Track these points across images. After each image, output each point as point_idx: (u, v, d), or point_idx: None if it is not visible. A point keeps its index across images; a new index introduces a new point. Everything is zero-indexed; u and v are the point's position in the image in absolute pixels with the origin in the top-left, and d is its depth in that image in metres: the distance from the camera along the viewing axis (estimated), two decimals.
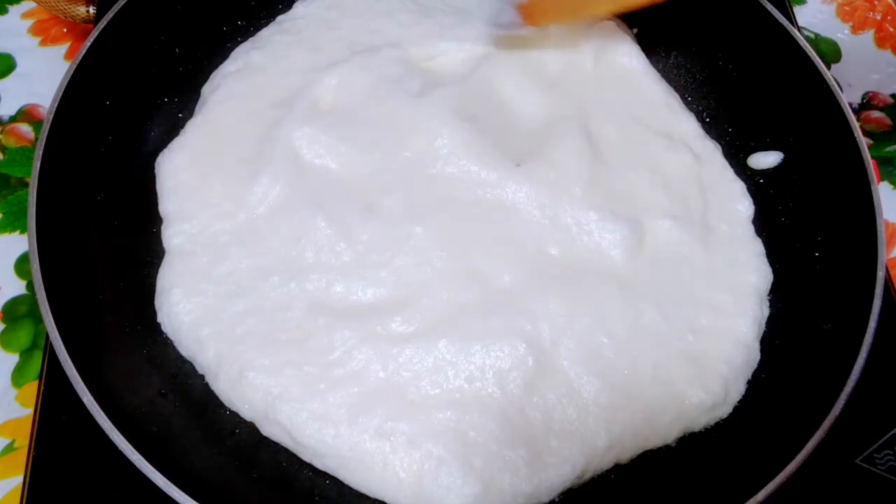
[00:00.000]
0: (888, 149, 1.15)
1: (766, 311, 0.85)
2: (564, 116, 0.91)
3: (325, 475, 0.75)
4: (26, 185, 1.04)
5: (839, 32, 1.25)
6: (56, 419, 0.80)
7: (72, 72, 0.83)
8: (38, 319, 0.93)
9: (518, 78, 0.93)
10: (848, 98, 0.83)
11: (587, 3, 0.91)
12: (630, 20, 1.04)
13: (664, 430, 0.77)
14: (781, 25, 0.92)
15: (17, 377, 0.92)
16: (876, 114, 1.18)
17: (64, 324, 0.71)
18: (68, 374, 0.69)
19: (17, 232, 1.01)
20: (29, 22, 1.19)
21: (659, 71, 1.00)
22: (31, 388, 0.90)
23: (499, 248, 0.82)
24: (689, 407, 0.78)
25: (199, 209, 0.85)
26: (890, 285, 0.91)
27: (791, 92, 0.92)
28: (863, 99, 1.20)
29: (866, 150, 0.83)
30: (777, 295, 0.86)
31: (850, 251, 0.81)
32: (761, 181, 0.93)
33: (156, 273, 0.82)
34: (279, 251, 0.82)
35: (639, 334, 0.79)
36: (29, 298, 0.97)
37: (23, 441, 0.87)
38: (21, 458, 0.82)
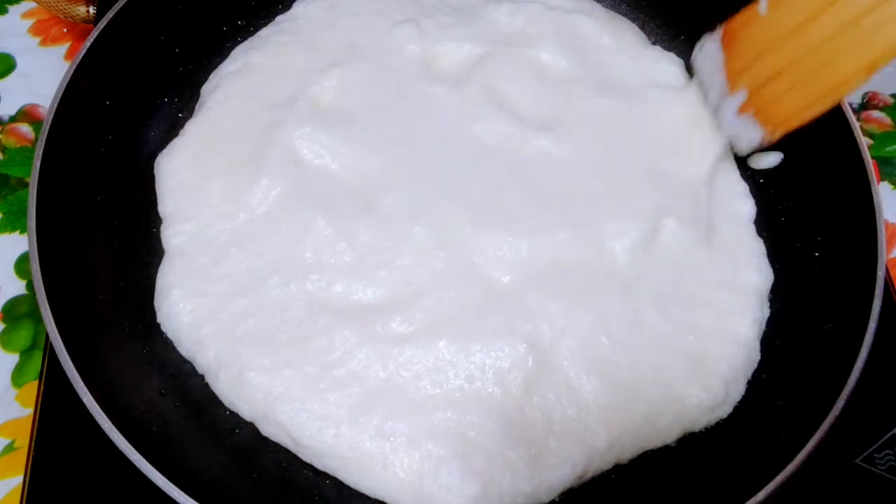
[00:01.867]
0: (888, 149, 1.15)
1: (767, 312, 0.85)
2: (564, 116, 0.91)
3: (325, 475, 0.75)
4: (26, 185, 1.04)
5: None
6: (56, 419, 0.80)
7: (72, 72, 0.83)
8: (38, 319, 0.93)
9: (519, 78, 0.93)
10: (848, 98, 0.83)
11: (838, 81, 0.75)
12: (630, 19, 1.04)
13: (664, 431, 0.77)
14: None
15: (17, 377, 0.92)
16: (876, 114, 1.18)
17: (64, 324, 0.71)
18: (68, 374, 0.69)
19: (17, 232, 1.02)
20: (29, 22, 1.19)
21: None
22: (31, 388, 0.90)
23: (499, 247, 0.82)
24: (689, 407, 0.78)
25: (199, 209, 0.84)
26: (890, 285, 0.91)
27: None
28: (863, 99, 1.20)
29: (866, 150, 0.83)
30: (777, 295, 0.86)
31: (851, 251, 0.81)
32: (761, 181, 0.93)
33: (156, 273, 0.82)
34: (279, 251, 0.82)
35: (639, 334, 0.79)
36: (29, 298, 0.97)
37: (23, 441, 0.87)
38: (21, 458, 0.83)
